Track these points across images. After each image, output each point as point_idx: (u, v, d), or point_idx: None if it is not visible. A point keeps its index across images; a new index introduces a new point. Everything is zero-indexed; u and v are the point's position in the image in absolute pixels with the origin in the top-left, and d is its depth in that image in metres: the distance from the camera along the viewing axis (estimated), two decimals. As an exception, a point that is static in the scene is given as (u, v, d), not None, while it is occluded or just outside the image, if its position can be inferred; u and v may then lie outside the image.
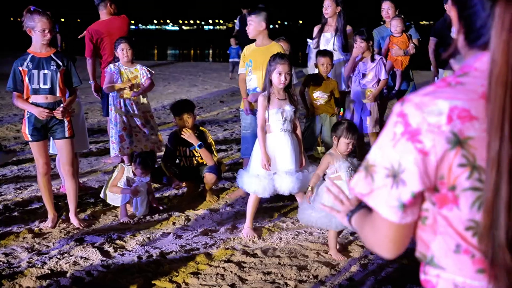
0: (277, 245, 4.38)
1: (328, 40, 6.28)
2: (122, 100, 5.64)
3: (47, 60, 4.61)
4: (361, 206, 1.53)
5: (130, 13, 6.62)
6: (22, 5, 4.71)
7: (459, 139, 1.19)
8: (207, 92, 12.55)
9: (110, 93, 5.67)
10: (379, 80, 5.75)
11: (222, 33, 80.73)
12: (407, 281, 3.73)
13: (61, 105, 4.63)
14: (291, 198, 4.89)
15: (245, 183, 4.60)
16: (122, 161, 6.26)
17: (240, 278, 3.85)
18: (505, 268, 1.18)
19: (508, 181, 1.15)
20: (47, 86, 4.59)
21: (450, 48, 1.38)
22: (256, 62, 5.26)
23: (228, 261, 4.11)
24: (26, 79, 4.57)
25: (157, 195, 5.61)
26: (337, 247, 4.21)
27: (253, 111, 5.30)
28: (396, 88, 6.52)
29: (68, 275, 3.93)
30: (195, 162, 5.42)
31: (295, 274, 3.86)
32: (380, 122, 5.88)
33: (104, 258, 4.17)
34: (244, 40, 12.76)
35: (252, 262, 4.08)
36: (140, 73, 5.70)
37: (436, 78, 7.52)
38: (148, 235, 4.59)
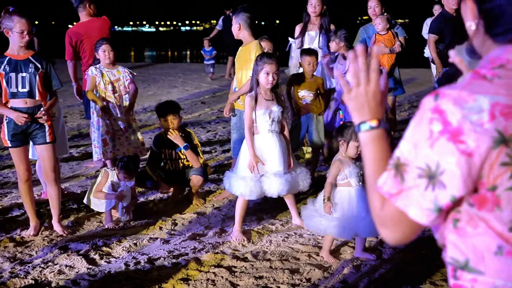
0: (267, 248, 4.30)
1: (313, 38, 6.22)
2: (104, 103, 5.51)
3: (25, 62, 4.47)
4: (379, 126, 1.30)
5: (105, 15, 6.48)
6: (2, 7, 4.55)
7: (504, 137, 1.12)
8: (187, 93, 12.43)
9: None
10: None
11: (199, 34, 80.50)
12: (401, 282, 3.68)
13: (42, 109, 4.49)
14: (279, 200, 4.81)
15: (232, 185, 4.52)
16: (105, 165, 6.13)
17: (232, 283, 3.76)
18: None
19: None
20: (26, 90, 4.45)
21: (468, 41, 1.33)
22: (238, 62, 5.23)
23: (219, 266, 4.01)
24: (4, 83, 4.43)
25: (142, 199, 5.50)
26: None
27: (232, 113, 5.26)
28: None
29: (53, 285, 3.81)
30: (181, 164, 5.32)
31: (287, 278, 3.79)
32: None
33: (90, 266, 4.05)
34: (228, 39, 12.71)
35: (243, 266, 4.00)
36: (123, 76, 5.58)
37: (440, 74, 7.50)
38: (135, 241, 4.47)
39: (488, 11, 1.23)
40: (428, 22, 10.05)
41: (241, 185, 4.42)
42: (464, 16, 1.33)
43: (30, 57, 4.49)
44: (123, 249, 4.33)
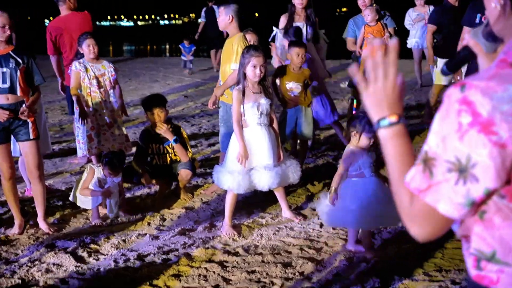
0: (258, 242, 4.26)
1: (300, 30, 6.17)
2: (89, 99, 5.42)
3: (5, 57, 4.36)
4: (399, 122, 1.26)
5: (82, 9, 6.37)
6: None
7: None
8: (169, 87, 12.30)
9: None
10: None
11: (178, 28, 79.98)
12: (394, 273, 3.66)
13: (24, 105, 4.38)
14: (269, 193, 4.77)
15: (221, 179, 4.47)
16: (89, 161, 6.04)
17: (224, 278, 3.71)
18: None
19: None
20: (7, 85, 4.34)
21: (488, 26, 1.29)
22: (223, 56, 5.17)
23: (210, 261, 3.96)
24: (-16, 79, 4.31)
25: (129, 194, 5.42)
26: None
27: (216, 105, 5.21)
28: None
29: (41, 284, 3.73)
30: (169, 159, 5.24)
31: (280, 272, 3.75)
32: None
33: (78, 264, 3.98)
34: (212, 32, 12.59)
35: (235, 261, 3.95)
36: (108, 71, 5.50)
37: (433, 66, 7.53)
38: (123, 237, 4.40)
39: None
40: (410, 13, 10.08)
41: (230, 179, 4.37)
42: None
43: (10, 52, 4.39)
44: (111, 246, 4.25)
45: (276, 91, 5.57)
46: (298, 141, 5.88)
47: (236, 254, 4.07)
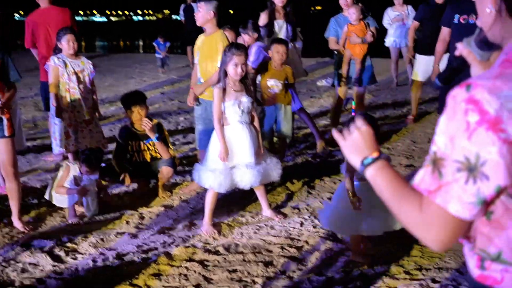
0: (239, 241, 4.23)
1: (281, 27, 6.16)
2: (68, 95, 5.32)
3: None
4: (380, 157, 1.37)
5: (55, 4, 6.28)
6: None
7: None
8: (145, 84, 12.18)
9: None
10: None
11: (152, 24, 79.32)
12: (375, 272, 3.67)
13: (-1, 101, 4.28)
14: (248, 191, 4.75)
15: (201, 178, 4.43)
16: (64, 159, 5.94)
17: (205, 277, 3.68)
18: None
19: None
20: (-19, 82, 4.24)
21: (480, 33, 1.30)
22: (201, 52, 5.11)
23: (190, 260, 3.92)
24: (-43, 75, 4.20)
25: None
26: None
27: (196, 102, 5.16)
28: (356, 76, 6.48)
29: (17, 284, 3.65)
30: (149, 156, 5.18)
31: (261, 271, 3.73)
32: None
33: (55, 263, 3.90)
34: (191, 28, 12.51)
35: (216, 260, 3.92)
36: (87, 67, 5.43)
37: (410, 66, 7.58)
38: (101, 236, 4.33)
39: None
40: (388, 12, 10.15)
41: (211, 177, 4.34)
42: (480, 1, 1.28)
43: (-15, 47, 4.28)
44: (89, 245, 4.18)
45: (255, 88, 5.55)
46: (276, 139, 5.87)
47: (216, 253, 4.03)
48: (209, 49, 4.99)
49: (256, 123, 4.50)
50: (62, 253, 4.05)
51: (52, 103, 5.37)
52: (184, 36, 13.31)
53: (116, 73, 14.07)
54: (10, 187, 4.46)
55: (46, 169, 6.08)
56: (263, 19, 6.16)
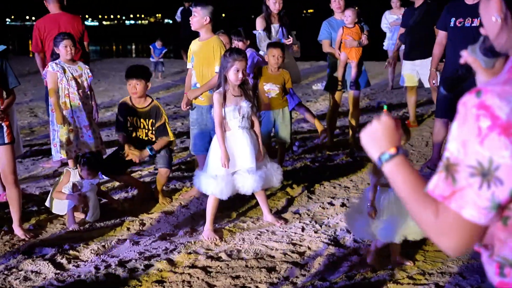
0: (241, 246, 4.23)
1: (278, 31, 6.17)
2: (68, 100, 5.31)
3: None
4: (398, 153, 1.35)
5: (45, 8, 6.29)
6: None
7: None
8: (140, 88, 12.15)
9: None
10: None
11: (144, 28, 79.17)
12: (378, 277, 3.68)
13: (-2, 108, 4.27)
14: (249, 196, 4.75)
15: (203, 184, 4.42)
16: (63, 165, 5.92)
17: (208, 284, 3.67)
18: None
19: None
20: (-20, 88, 4.23)
21: (485, 41, 1.32)
22: (197, 57, 5.11)
23: (193, 266, 3.92)
24: (-44, 82, 4.18)
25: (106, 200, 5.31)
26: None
27: (191, 107, 5.16)
28: (352, 79, 6.49)
29: (19, 292, 3.63)
30: (144, 134, 5.18)
31: (265, 277, 3.73)
32: None
33: (57, 271, 3.88)
34: (187, 33, 12.49)
35: (218, 266, 3.92)
36: (85, 72, 5.42)
37: (393, 70, 7.58)
38: (103, 243, 4.31)
39: None
40: (386, 16, 10.19)
41: (212, 184, 4.34)
42: (485, 11, 1.30)
43: (-17, 54, 4.27)
44: (91, 252, 4.17)
45: (255, 93, 5.55)
46: (275, 144, 5.87)
47: (219, 259, 4.03)
48: (206, 54, 4.99)
49: (256, 128, 4.50)
50: (64, 261, 4.04)
51: (51, 109, 5.35)
52: (180, 38, 13.27)
53: (110, 77, 14.04)
54: (11, 194, 4.44)
55: (44, 176, 6.05)
56: (260, 23, 6.17)
